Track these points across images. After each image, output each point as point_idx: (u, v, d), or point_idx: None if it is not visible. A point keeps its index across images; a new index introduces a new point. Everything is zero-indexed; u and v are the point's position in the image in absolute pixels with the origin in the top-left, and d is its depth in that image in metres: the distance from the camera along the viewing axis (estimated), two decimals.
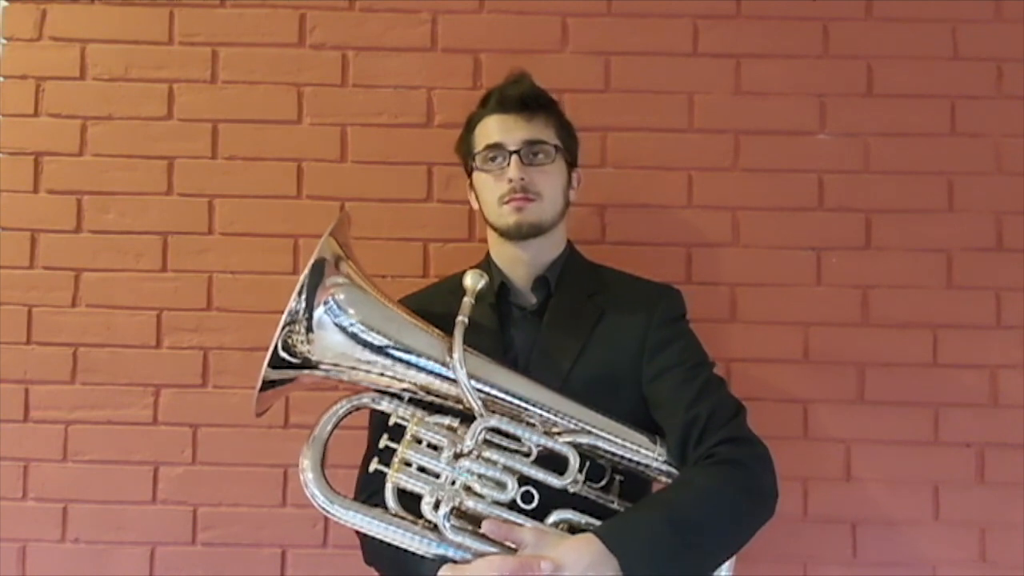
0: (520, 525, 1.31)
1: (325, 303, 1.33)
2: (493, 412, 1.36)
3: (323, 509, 1.36)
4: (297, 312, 1.31)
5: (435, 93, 1.98)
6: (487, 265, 1.58)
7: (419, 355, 1.36)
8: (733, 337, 1.92)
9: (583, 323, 1.50)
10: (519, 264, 1.55)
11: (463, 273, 1.44)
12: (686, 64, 1.98)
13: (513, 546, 1.30)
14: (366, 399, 1.42)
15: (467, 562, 1.31)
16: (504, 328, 1.53)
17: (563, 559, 1.26)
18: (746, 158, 1.97)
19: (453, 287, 1.49)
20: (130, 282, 1.97)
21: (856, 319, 1.94)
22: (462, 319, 1.36)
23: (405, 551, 1.35)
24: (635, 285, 1.58)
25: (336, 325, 1.34)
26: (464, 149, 1.59)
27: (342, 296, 1.34)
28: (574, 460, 1.34)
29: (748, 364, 1.92)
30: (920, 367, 1.92)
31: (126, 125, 1.99)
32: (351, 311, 1.35)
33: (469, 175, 1.59)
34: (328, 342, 1.34)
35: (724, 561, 1.39)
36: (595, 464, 1.40)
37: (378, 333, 1.36)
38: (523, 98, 1.53)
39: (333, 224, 1.39)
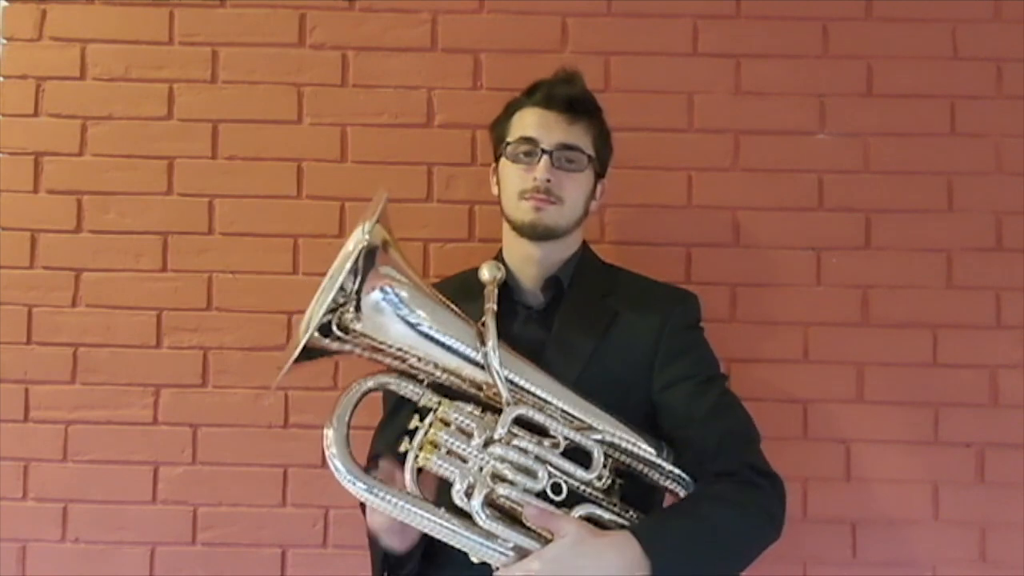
0: (560, 515, 1.27)
1: (382, 289, 1.28)
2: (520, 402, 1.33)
3: (346, 484, 1.29)
4: (347, 291, 1.25)
5: (435, 93, 1.98)
6: (499, 261, 1.56)
7: (454, 338, 1.32)
8: (733, 337, 1.92)
9: (596, 325, 1.48)
10: (530, 262, 1.53)
11: (473, 270, 1.41)
12: (686, 64, 1.98)
13: (548, 536, 1.27)
14: (390, 380, 1.36)
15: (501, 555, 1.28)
16: (507, 327, 1.48)
17: (603, 555, 1.25)
18: (746, 158, 1.97)
19: (462, 283, 1.49)
20: (130, 282, 1.97)
21: (856, 319, 1.94)
22: (491, 306, 1.33)
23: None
24: (651, 288, 1.56)
25: (391, 308, 1.29)
26: (497, 132, 1.57)
27: (394, 277, 1.30)
28: (598, 455, 1.32)
29: (748, 364, 1.92)
30: (920, 367, 1.92)
31: (126, 125, 1.99)
32: (404, 296, 1.30)
33: (496, 159, 1.57)
34: (378, 323, 1.29)
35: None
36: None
37: (421, 315, 1.31)
38: (571, 100, 1.52)
39: (382, 205, 1.31)
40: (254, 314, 1.95)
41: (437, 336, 1.32)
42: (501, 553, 1.28)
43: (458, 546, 1.28)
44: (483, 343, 1.31)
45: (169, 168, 1.98)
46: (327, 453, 1.30)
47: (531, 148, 1.50)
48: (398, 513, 1.28)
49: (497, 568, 1.28)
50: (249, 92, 1.99)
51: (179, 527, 1.93)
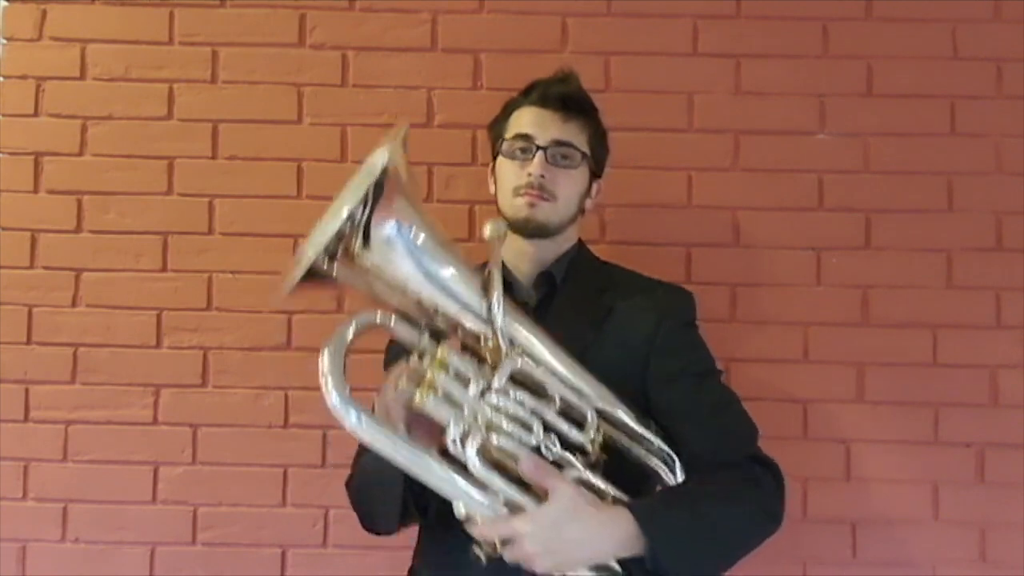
0: (557, 473, 1.24)
1: (397, 223, 1.23)
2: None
3: (338, 414, 1.22)
4: (356, 220, 1.19)
5: (435, 93, 1.98)
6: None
7: (460, 284, 1.28)
8: (733, 337, 1.92)
9: (591, 319, 1.48)
10: (524, 258, 1.54)
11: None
12: (686, 64, 1.98)
13: (541, 493, 1.23)
14: (389, 319, 1.29)
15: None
16: None
17: (597, 527, 1.23)
18: (746, 158, 1.97)
19: None
20: (130, 282, 1.97)
21: (856, 319, 1.94)
22: (496, 259, 1.30)
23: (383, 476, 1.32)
24: (647, 284, 1.56)
25: (401, 244, 1.23)
26: (495, 132, 1.59)
27: (407, 212, 1.25)
28: (592, 417, 1.30)
29: (748, 364, 1.92)
30: (920, 367, 1.92)
31: (126, 125, 1.99)
32: (416, 233, 1.24)
33: (494, 158, 1.59)
34: (386, 257, 1.23)
35: (721, 572, 1.39)
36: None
37: (430, 255, 1.27)
38: (565, 98, 1.53)
39: (403, 133, 1.26)
40: (254, 314, 1.95)
41: (443, 280, 1.27)
42: (491, 506, 1.23)
43: (447, 495, 1.24)
44: (487, 294, 1.28)
45: (169, 168, 1.99)
46: (321, 381, 1.23)
47: (527, 144, 1.51)
48: (388, 451, 1.23)
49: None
50: (249, 92, 1.99)
51: (179, 527, 1.93)
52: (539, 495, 1.24)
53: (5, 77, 2.00)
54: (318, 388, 1.97)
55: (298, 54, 2.00)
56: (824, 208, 1.96)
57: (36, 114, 1.99)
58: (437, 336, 1.30)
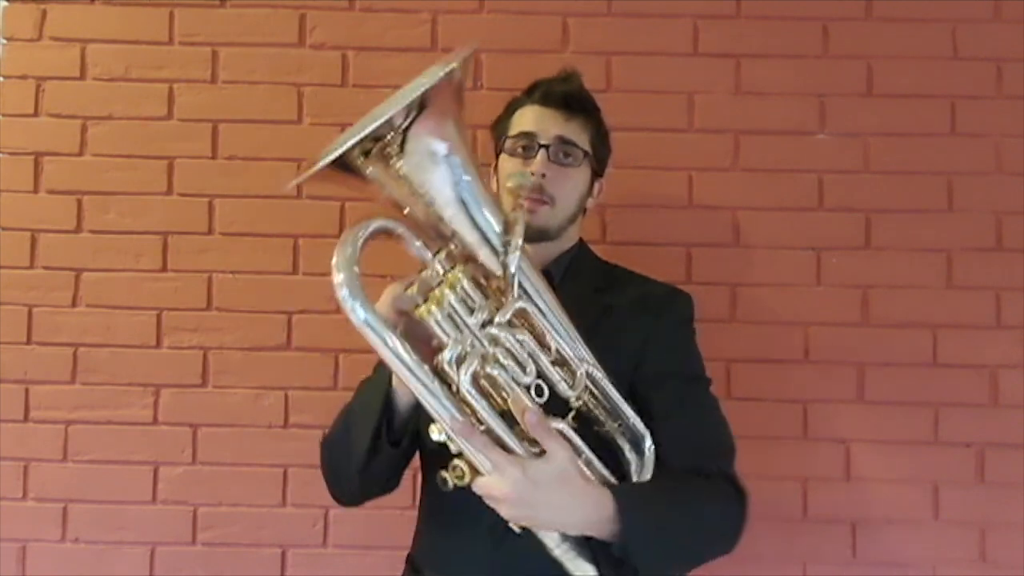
0: (557, 435, 1.23)
1: (441, 137, 1.22)
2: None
3: (345, 305, 1.19)
4: (396, 126, 1.17)
5: None
6: None
7: (485, 215, 1.27)
8: (733, 337, 1.92)
9: (586, 318, 1.47)
10: None
11: None
12: (686, 64, 1.98)
13: (512, 446, 1.21)
14: (407, 233, 1.28)
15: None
16: None
17: (578, 501, 1.22)
18: (746, 158, 1.97)
19: None
20: (130, 282, 1.97)
21: (856, 319, 1.94)
22: (521, 203, 1.34)
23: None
24: (646, 285, 1.56)
25: (443, 159, 1.23)
26: (497, 130, 1.59)
27: (452, 130, 1.24)
28: (581, 375, 1.29)
29: (748, 364, 1.92)
30: (920, 367, 1.92)
31: (126, 125, 1.99)
32: (458, 152, 1.23)
33: (496, 156, 1.59)
34: (421, 166, 1.22)
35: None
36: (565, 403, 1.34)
37: (466, 179, 1.25)
38: (567, 97, 1.54)
39: (468, 53, 1.23)
40: (254, 314, 1.95)
41: (471, 205, 1.26)
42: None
43: (430, 409, 1.21)
44: (507, 233, 1.26)
45: (169, 168, 1.98)
46: (335, 279, 1.19)
47: (529, 143, 1.51)
48: (387, 353, 1.20)
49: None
50: (249, 92, 1.99)
51: (179, 527, 1.93)
52: (522, 435, 1.22)
53: (5, 77, 2.00)
54: (318, 388, 1.98)
55: (298, 54, 2.00)
56: (824, 208, 1.96)
57: (36, 114, 1.99)
58: (451, 260, 1.28)
